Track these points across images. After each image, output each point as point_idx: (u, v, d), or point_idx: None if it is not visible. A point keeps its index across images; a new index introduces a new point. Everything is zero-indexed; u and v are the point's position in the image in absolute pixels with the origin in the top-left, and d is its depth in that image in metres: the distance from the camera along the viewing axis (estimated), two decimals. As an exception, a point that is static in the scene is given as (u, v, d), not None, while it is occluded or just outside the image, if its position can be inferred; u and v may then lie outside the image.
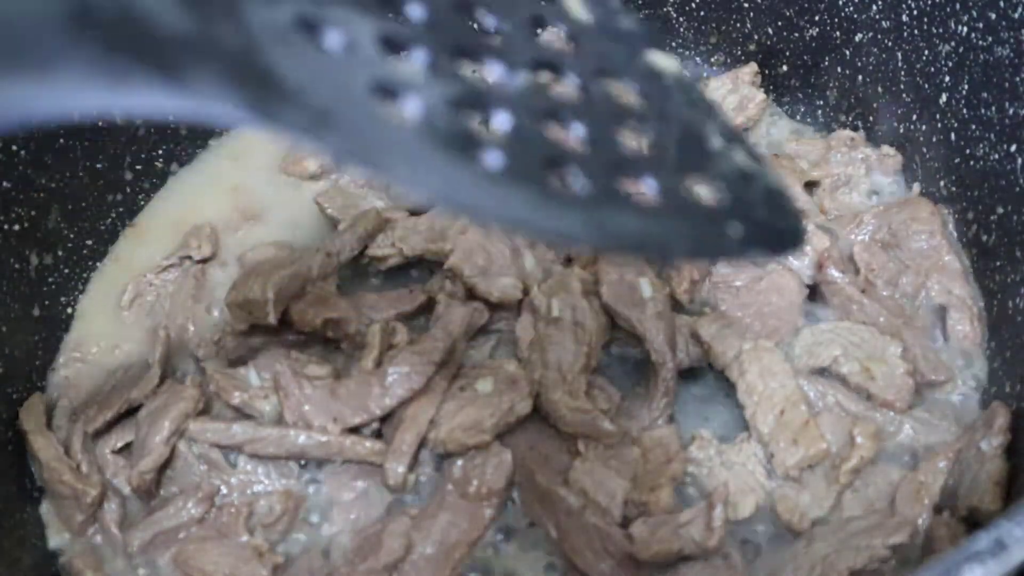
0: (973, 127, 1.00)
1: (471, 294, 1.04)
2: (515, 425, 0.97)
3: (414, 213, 1.12)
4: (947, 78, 1.02)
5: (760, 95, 1.21)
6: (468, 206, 0.44)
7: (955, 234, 1.06)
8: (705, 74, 1.29)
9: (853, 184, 1.14)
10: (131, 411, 0.99)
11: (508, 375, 0.98)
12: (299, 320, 1.02)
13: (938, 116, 1.05)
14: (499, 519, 0.94)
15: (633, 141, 0.50)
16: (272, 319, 0.99)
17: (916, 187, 1.10)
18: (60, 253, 1.07)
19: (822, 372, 0.99)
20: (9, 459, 0.97)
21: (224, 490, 0.96)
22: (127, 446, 0.98)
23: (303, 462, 0.98)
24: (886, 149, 1.14)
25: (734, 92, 1.22)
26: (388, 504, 0.95)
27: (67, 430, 0.98)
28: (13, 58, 0.39)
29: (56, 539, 0.96)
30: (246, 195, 1.19)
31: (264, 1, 0.43)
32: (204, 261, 1.11)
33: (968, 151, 1.02)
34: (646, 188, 0.48)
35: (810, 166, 1.15)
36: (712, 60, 1.31)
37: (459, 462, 0.94)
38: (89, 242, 1.11)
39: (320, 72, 0.43)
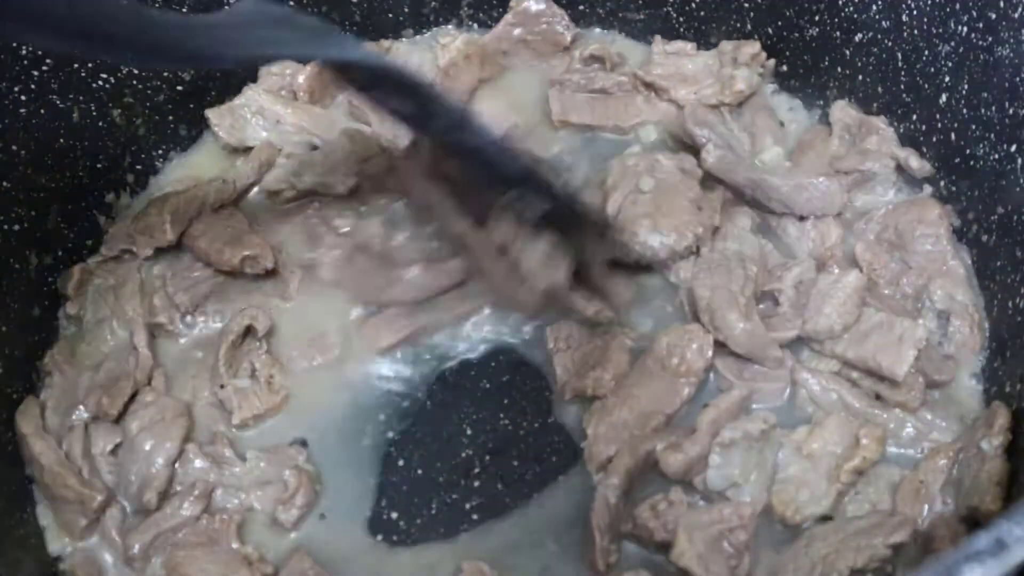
0: (973, 127, 1.00)
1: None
2: None
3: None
4: (947, 78, 1.02)
5: (745, 74, 1.19)
6: None
7: (956, 234, 1.06)
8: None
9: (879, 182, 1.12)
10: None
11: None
12: (217, 260, 1.06)
13: (938, 116, 1.05)
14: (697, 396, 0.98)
15: None
16: (169, 236, 1.06)
17: (927, 188, 1.10)
18: (60, 253, 1.07)
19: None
20: (9, 460, 0.97)
21: (219, 490, 0.96)
22: (117, 447, 0.97)
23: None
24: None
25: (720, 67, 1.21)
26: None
27: (64, 434, 0.98)
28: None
29: (55, 544, 0.95)
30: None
31: None
32: (148, 258, 1.08)
33: (968, 151, 1.02)
34: None
35: (837, 160, 1.13)
36: (712, 60, 1.30)
37: (664, 339, 0.98)
38: (89, 242, 1.11)
39: None
